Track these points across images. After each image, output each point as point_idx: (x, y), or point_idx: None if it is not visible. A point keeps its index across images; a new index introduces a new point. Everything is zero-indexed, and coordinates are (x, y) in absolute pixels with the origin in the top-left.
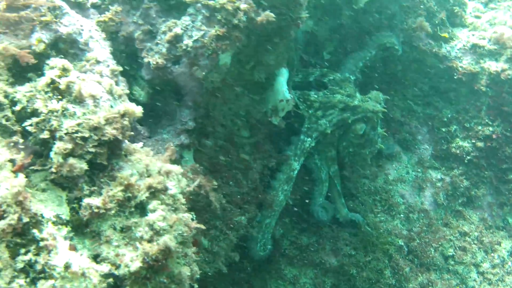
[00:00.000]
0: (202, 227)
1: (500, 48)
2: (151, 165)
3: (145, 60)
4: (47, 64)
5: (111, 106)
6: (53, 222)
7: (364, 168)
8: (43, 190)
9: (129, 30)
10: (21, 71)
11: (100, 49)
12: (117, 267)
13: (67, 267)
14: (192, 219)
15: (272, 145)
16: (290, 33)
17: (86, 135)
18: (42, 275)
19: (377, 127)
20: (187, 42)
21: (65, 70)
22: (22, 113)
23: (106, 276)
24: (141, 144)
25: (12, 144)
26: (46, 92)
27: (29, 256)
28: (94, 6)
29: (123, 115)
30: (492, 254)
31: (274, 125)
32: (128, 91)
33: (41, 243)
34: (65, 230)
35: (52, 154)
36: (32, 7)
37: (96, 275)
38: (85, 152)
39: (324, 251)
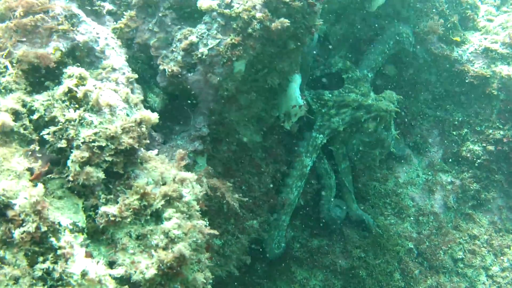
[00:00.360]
0: (216, 232)
1: None
2: (166, 172)
3: (161, 67)
4: (65, 73)
5: (127, 115)
6: (70, 230)
7: (372, 169)
8: (60, 198)
9: (144, 37)
10: (39, 80)
11: (116, 56)
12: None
13: (84, 274)
14: (206, 225)
15: (284, 150)
16: (305, 41)
17: (103, 144)
18: (60, 282)
19: (390, 128)
20: (203, 50)
21: (82, 78)
22: (39, 122)
23: (121, 282)
24: (156, 151)
25: (30, 152)
26: (63, 101)
27: (47, 264)
28: (109, 13)
29: (139, 123)
30: (502, 258)
31: (287, 130)
32: (143, 98)
33: (59, 251)
34: (81, 237)
35: (69, 163)
36: (49, 15)
37: (112, 282)
38: (101, 160)
39: (334, 254)
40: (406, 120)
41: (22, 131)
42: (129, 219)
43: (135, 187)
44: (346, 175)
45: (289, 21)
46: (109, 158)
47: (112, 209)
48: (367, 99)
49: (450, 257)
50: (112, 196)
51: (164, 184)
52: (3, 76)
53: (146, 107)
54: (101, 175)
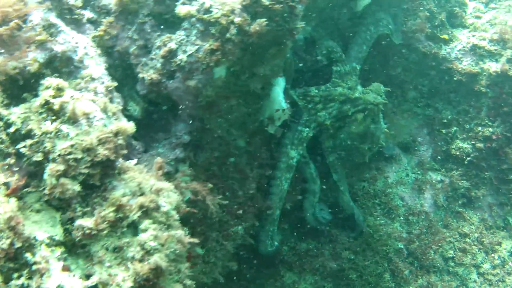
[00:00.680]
0: (196, 241)
1: (501, 48)
2: (144, 183)
3: (140, 75)
4: (42, 84)
5: (105, 125)
6: (47, 244)
7: (361, 168)
8: (38, 211)
9: (124, 45)
10: (16, 92)
11: (95, 65)
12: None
13: None
14: (186, 234)
15: (269, 154)
16: (286, 44)
17: (79, 156)
18: None
19: (379, 121)
20: (182, 57)
21: (59, 89)
22: (16, 135)
23: None
24: (135, 161)
25: (6, 166)
26: (40, 113)
27: (22, 280)
28: (90, 21)
29: (116, 134)
30: (493, 255)
31: (271, 134)
32: (122, 107)
33: (34, 267)
34: (58, 251)
35: (45, 176)
36: (27, 26)
37: None
38: (78, 173)
39: (324, 256)
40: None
41: None
42: (105, 232)
43: (110, 199)
44: (333, 168)
45: (267, 22)
46: (85, 171)
47: (87, 222)
48: (354, 92)
49: (441, 256)
50: (89, 209)
51: (142, 194)
52: None
53: (126, 116)
54: (77, 187)
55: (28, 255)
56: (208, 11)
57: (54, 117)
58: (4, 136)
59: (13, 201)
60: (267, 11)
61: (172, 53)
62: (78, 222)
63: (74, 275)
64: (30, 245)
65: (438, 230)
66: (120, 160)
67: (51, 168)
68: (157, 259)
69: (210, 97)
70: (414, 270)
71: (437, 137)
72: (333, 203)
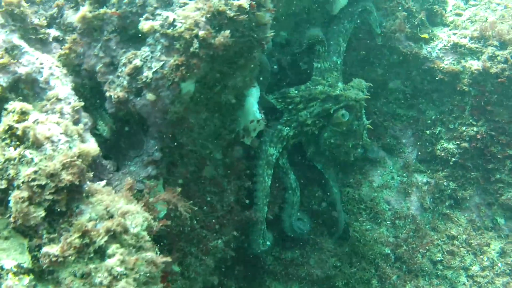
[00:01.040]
0: (169, 259)
1: (482, 45)
2: (112, 205)
3: (107, 94)
4: (5, 109)
5: (70, 147)
6: (14, 273)
7: (346, 171)
8: (6, 238)
9: (91, 63)
10: None
11: (61, 86)
12: None
13: None
14: (159, 254)
15: (247, 165)
16: (255, 55)
17: (43, 182)
18: None
19: (361, 117)
20: (147, 74)
21: (23, 113)
22: None
23: None
24: (104, 182)
25: None
26: (3, 139)
27: None
28: (56, 40)
29: (79, 157)
30: (481, 256)
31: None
32: (91, 126)
33: None
34: (27, 279)
35: (10, 203)
36: None
37: None
38: (42, 199)
39: (309, 265)
40: (378, 121)
41: None
42: (72, 258)
43: (76, 224)
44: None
45: (231, 34)
46: (50, 197)
47: (53, 249)
48: (335, 89)
49: (429, 259)
50: (56, 235)
51: (111, 217)
52: None
53: (96, 135)
54: (42, 214)
55: None
56: (172, 25)
57: (17, 143)
58: None
59: None
60: (232, 23)
61: (137, 70)
62: (45, 249)
63: None
64: None
65: (426, 233)
66: (88, 182)
67: (16, 195)
68: (124, 284)
69: (179, 113)
70: (402, 275)
71: (422, 138)
72: (316, 210)
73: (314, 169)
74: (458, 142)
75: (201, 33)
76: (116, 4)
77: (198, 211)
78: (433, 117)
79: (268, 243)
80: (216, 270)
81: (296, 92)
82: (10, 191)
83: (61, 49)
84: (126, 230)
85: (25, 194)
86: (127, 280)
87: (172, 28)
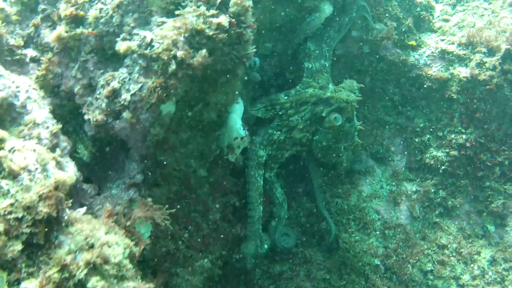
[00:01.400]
0: (152, 286)
1: (470, 52)
2: (92, 234)
3: (86, 117)
4: None
5: (48, 176)
6: None
7: (338, 167)
8: None
9: (69, 84)
10: None
11: (39, 110)
12: None
13: None
14: (140, 281)
15: (233, 180)
16: (237, 72)
17: (20, 215)
18: None
19: (353, 119)
20: (125, 96)
21: (0, 141)
22: None
23: None
24: (83, 209)
25: None
26: None
27: None
28: (33, 60)
29: (56, 188)
30: (472, 265)
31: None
32: (70, 150)
33: None
34: None
35: None
36: None
37: None
38: (20, 232)
39: (298, 277)
40: (366, 129)
41: None
42: None
43: (55, 258)
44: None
45: (211, 53)
46: (28, 230)
47: (32, 284)
48: (325, 92)
49: (419, 269)
50: (35, 268)
51: (90, 247)
52: None
53: (76, 158)
54: (19, 247)
55: None
56: (149, 45)
57: None
58: None
59: None
60: (212, 41)
61: (115, 93)
62: (23, 284)
63: None
64: None
65: (416, 242)
66: (67, 211)
67: None
68: None
69: (159, 135)
70: (393, 286)
71: (411, 146)
72: (304, 223)
73: (303, 179)
74: (447, 150)
75: (180, 53)
76: (92, 24)
77: (183, 231)
78: (422, 125)
79: (265, 246)
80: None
81: (286, 98)
82: None
83: (38, 70)
84: (106, 261)
85: (1, 227)
86: None
87: (149, 48)
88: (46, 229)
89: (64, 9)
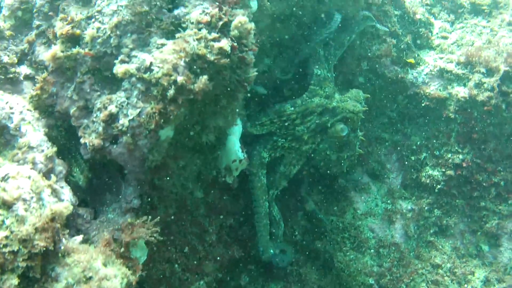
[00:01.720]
0: None
1: (469, 71)
2: (89, 266)
3: (82, 140)
4: None
5: (43, 205)
6: None
7: (338, 173)
8: None
9: (64, 105)
10: None
11: (33, 132)
12: None
13: None
14: None
15: (230, 200)
16: (238, 96)
17: (15, 248)
18: None
19: (357, 129)
20: (123, 121)
21: None
22: None
23: None
24: (80, 237)
25: None
26: None
27: None
28: (27, 78)
29: (52, 220)
30: (466, 286)
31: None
32: (65, 174)
33: None
34: None
35: None
36: None
37: None
38: (15, 266)
39: None
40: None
41: None
42: None
43: None
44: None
45: (211, 77)
46: (23, 264)
47: None
48: (331, 101)
49: None
50: None
51: (88, 279)
52: None
53: (71, 182)
54: (15, 282)
55: None
56: (149, 69)
57: None
58: None
59: None
60: (213, 66)
61: (113, 117)
62: None
63: None
64: None
65: (410, 262)
66: (64, 240)
67: None
68: None
69: (157, 161)
70: None
71: (407, 164)
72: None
73: (297, 196)
74: (444, 169)
75: (180, 78)
76: (89, 43)
77: (179, 254)
78: (419, 143)
79: (271, 251)
80: None
81: (293, 109)
82: None
83: (33, 89)
84: None
85: None
86: None
87: (149, 72)
88: (42, 262)
89: (60, 28)
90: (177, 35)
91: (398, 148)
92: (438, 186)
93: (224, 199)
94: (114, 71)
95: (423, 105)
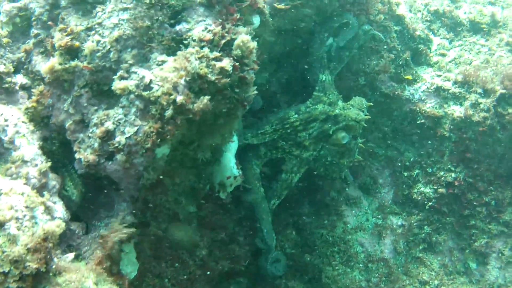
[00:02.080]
0: None
1: (466, 91)
2: (81, 285)
3: (76, 155)
4: None
5: (36, 223)
6: None
7: (335, 177)
8: None
9: (60, 118)
10: None
11: (27, 146)
12: None
13: None
14: None
15: (223, 215)
16: (236, 114)
17: (6, 269)
18: None
19: (358, 137)
20: (120, 139)
21: None
22: None
23: None
24: (71, 255)
25: None
26: None
27: None
28: (23, 87)
29: (45, 240)
30: None
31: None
32: (58, 188)
33: None
34: None
35: None
36: None
37: None
38: (6, 287)
39: None
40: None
41: None
42: None
43: None
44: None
45: (211, 97)
46: (14, 285)
47: None
48: (334, 108)
49: None
50: None
51: None
52: None
53: (64, 197)
54: None
55: None
56: (148, 87)
57: None
58: None
59: None
60: (213, 86)
61: (109, 134)
62: None
63: None
64: None
65: (398, 277)
66: (55, 259)
67: None
68: None
69: (152, 179)
70: None
71: (399, 180)
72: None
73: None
74: (436, 187)
75: (179, 98)
76: (88, 56)
77: (169, 270)
78: (412, 159)
79: (273, 236)
80: None
81: (297, 116)
82: None
83: (28, 100)
84: None
85: None
86: None
87: (148, 90)
88: (34, 283)
89: (59, 39)
90: (178, 52)
91: (391, 164)
92: (429, 203)
93: (216, 214)
94: (113, 87)
95: (418, 122)
